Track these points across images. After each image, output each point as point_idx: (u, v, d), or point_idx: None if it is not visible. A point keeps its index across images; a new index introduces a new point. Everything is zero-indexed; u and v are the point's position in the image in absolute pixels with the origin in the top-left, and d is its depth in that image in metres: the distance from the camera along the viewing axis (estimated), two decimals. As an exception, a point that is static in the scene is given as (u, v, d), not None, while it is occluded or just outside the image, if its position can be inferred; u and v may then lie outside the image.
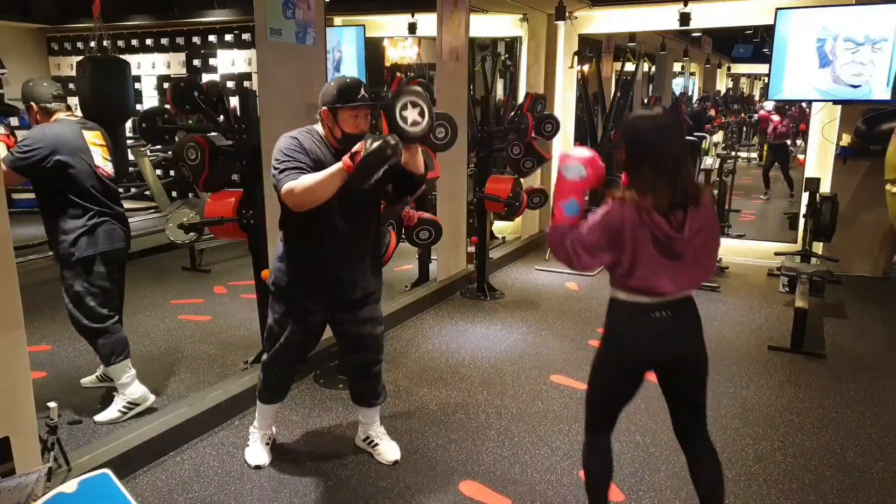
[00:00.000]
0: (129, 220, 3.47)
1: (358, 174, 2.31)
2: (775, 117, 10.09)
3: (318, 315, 2.79)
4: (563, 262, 2.18)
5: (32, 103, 3.18)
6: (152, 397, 3.34)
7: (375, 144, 2.28)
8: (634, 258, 2.07)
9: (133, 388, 3.28)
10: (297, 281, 2.73)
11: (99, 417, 3.25)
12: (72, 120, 3.21)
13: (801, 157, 9.73)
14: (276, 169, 2.49)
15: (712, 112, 12.25)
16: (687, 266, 2.09)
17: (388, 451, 3.05)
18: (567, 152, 2.22)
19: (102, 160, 3.24)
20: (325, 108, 2.59)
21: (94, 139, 3.23)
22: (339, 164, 2.36)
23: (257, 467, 2.95)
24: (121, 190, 3.50)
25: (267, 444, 3.04)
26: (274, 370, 2.91)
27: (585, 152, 2.18)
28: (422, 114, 2.53)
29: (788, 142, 10.40)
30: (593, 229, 2.09)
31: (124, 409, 3.25)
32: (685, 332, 2.17)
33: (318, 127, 2.67)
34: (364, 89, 2.60)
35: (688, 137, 10.26)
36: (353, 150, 2.33)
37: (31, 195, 3.26)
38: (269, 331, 2.86)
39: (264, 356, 2.93)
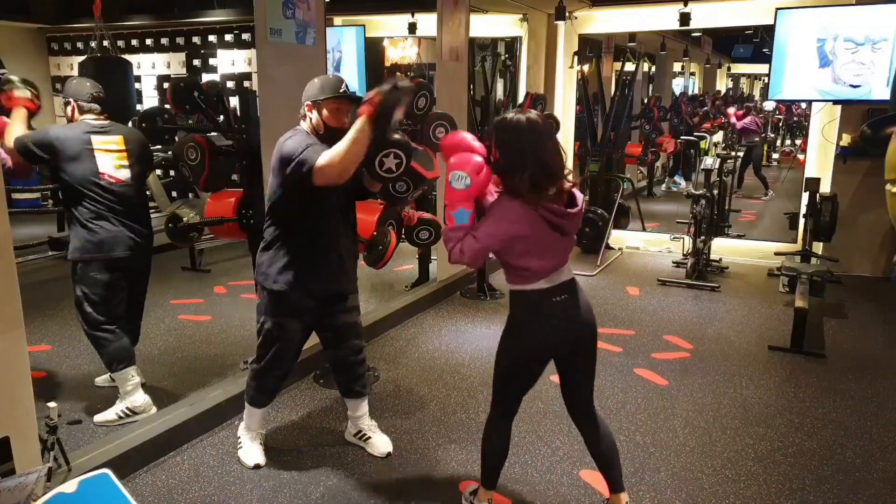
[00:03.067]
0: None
1: (379, 115, 2.40)
2: (731, 111, 10.05)
3: (312, 312, 2.88)
4: (465, 263, 2.25)
5: (72, 100, 3.19)
6: (153, 409, 3.32)
7: (388, 85, 2.40)
8: (529, 245, 2.18)
9: (135, 397, 3.27)
10: (293, 280, 2.77)
11: (97, 417, 3.26)
12: (91, 124, 3.18)
13: (800, 157, 9.74)
14: (294, 161, 2.53)
15: (696, 119, 11.42)
16: (567, 241, 2.27)
17: (381, 443, 3.09)
18: (455, 157, 2.22)
19: (114, 167, 3.19)
20: (308, 102, 2.70)
21: (108, 145, 3.18)
22: (358, 121, 2.44)
23: (256, 466, 2.95)
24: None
25: (260, 443, 3.05)
26: (273, 373, 2.93)
27: (472, 158, 2.20)
28: (399, 166, 2.63)
29: (758, 139, 10.41)
30: (489, 229, 2.17)
31: (122, 414, 3.25)
32: (583, 311, 2.33)
33: (303, 125, 2.75)
34: (345, 86, 2.72)
35: (689, 137, 10.34)
36: (366, 98, 2.43)
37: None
38: (265, 335, 2.87)
39: (256, 363, 2.94)
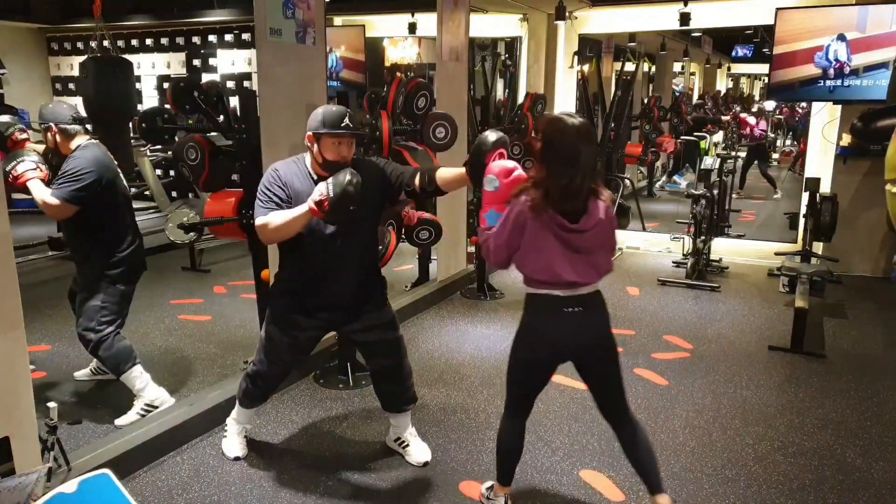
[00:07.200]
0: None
1: (331, 216, 2.43)
2: (751, 119, 10.17)
3: (307, 332, 2.83)
4: (490, 263, 2.38)
5: (52, 124, 3.13)
6: (171, 400, 3.33)
7: (337, 191, 2.37)
8: (537, 249, 2.24)
9: (149, 392, 3.28)
10: (287, 292, 2.79)
11: (119, 421, 3.24)
12: (95, 143, 3.19)
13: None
14: (257, 201, 2.62)
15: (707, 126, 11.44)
16: (586, 258, 2.26)
17: (418, 451, 3.05)
18: (492, 165, 2.38)
19: (125, 181, 3.29)
20: (309, 132, 2.63)
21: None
22: (305, 207, 2.46)
23: (236, 458, 3.00)
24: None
25: (245, 437, 3.08)
26: (258, 381, 2.94)
27: (505, 164, 2.37)
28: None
29: (766, 142, 10.57)
30: (504, 225, 2.27)
31: (143, 412, 3.24)
32: (594, 326, 2.36)
33: (308, 154, 2.70)
34: (349, 118, 2.62)
35: (688, 137, 10.34)
36: (316, 198, 2.41)
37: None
38: (260, 343, 2.91)
39: (251, 365, 2.95)
